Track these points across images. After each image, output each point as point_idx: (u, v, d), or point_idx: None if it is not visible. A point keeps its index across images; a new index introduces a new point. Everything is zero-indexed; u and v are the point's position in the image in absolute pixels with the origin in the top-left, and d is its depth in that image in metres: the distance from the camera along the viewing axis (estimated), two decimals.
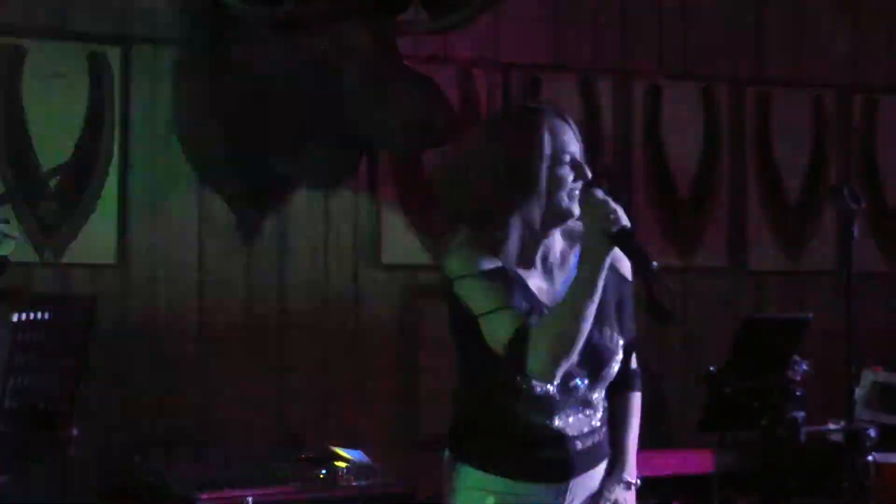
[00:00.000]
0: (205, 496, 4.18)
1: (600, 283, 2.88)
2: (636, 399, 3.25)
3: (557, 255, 3.07)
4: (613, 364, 3.09)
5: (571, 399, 3.06)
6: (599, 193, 2.90)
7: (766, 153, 6.12)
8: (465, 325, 3.01)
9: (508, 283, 2.97)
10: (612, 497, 3.16)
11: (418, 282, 5.42)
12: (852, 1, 6.32)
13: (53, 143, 4.93)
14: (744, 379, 4.69)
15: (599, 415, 3.13)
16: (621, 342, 3.10)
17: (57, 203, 4.94)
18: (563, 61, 5.74)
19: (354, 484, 4.48)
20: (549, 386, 3.01)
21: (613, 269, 3.03)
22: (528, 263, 3.04)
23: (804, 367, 4.84)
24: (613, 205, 2.87)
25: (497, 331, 2.93)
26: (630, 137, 5.84)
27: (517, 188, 2.98)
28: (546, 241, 3.04)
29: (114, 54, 5.02)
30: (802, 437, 4.89)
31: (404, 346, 5.40)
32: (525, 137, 2.99)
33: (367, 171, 5.33)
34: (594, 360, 3.03)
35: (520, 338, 2.89)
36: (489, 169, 3.00)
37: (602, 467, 3.16)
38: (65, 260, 4.94)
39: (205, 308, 5.12)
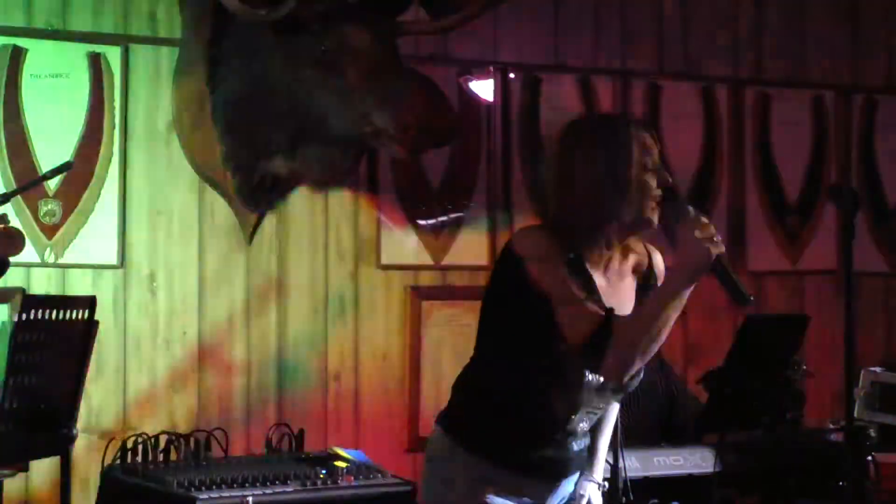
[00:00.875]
0: (204, 496, 4.18)
1: (686, 297, 2.90)
2: (615, 409, 3.29)
3: (617, 261, 3.08)
4: (638, 378, 3.11)
5: (598, 401, 3.09)
6: (699, 212, 2.93)
7: (765, 153, 6.12)
8: (522, 305, 2.99)
9: (586, 277, 2.99)
10: (586, 495, 3.21)
11: (417, 282, 5.42)
12: (852, 1, 6.32)
13: (53, 143, 4.93)
14: (744, 379, 4.68)
15: (595, 420, 3.17)
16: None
17: (57, 203, 4.94)
18: (562, 61, 5.74)
19: (354, 484, 4.47)
20: (592, 385, 3.03)
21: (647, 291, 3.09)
22: (595, 262, 3.04)
23: (804, 366, 4.84)
24: (714, 228, 2.89)
25: (580, 322, 2.93)
26: None
27: (608, 193, 3.00)
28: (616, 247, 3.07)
29: (114, 54, 5.02)
30: (802, 437, 4.89)
31: (404, 346, 5.40)
32: (617, 144, 3.02)
33: (367, 171, 5.33)
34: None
35: (602, 334, 2.90)
36: (579, 174, 3.03)
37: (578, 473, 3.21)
38: (65, 260, 4.94)
39: (204, 308, 5.12)
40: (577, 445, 3.14)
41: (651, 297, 3.00)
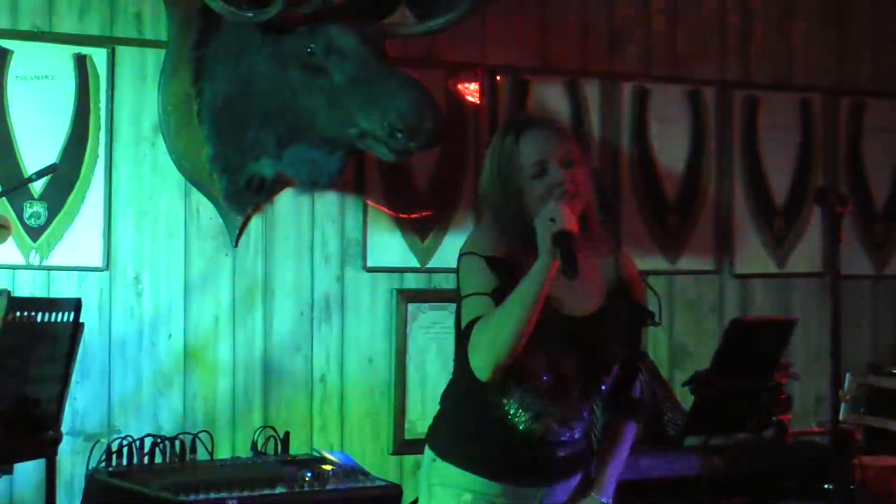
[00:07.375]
0: (190, 499, 4.17)
1: (541, 290, 2.88)
2: (631, 428, 3.25)
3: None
4: (607, 379, 3.10)
5: (561, 405, 3.06)
6: (552, 202, 2.94)
7: (752, 156, 6.12)
8: (458, 307, 3.02)
9: (506, 275, 2.97)
10: None
11: (403, 285, 5.41)
12: (839, 4, 6.33)
13: (39, 146, 4.91)
14: (730, 381, 4.69)
15: (584, 427, 3.13)
16: (618, 361, 3.10)
17: (42, 205, 4.93)
18: (550, 64, 5.74)
19: (340, 486, 4.47)
20: (542, 387, 3.02)
21: (625, 292, 3.07)
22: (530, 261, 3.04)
23: (791, 369, 4.85)
24: (560, 209, 2.89)
25: (463, 317, 2.95)
26: (617, 140, 5.84)
27: (490, 194, 3.09)
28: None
29: (100, 56, 5.01)
30: (789, 440, 4.90)
31: (389, 348, 5.39)
32: (494, 149, 3.13)
33: (354, 173, 5.32)
34: (590, 371, 3.04)
35: (470, 330, 2.90)
36: (486, 178, 3.12)
37: (576, 480, 3.17)
38: (50, 262, 4.93)
39: (191, 310, 5.11)
40: (561, 451, 3.12)
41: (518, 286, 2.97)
